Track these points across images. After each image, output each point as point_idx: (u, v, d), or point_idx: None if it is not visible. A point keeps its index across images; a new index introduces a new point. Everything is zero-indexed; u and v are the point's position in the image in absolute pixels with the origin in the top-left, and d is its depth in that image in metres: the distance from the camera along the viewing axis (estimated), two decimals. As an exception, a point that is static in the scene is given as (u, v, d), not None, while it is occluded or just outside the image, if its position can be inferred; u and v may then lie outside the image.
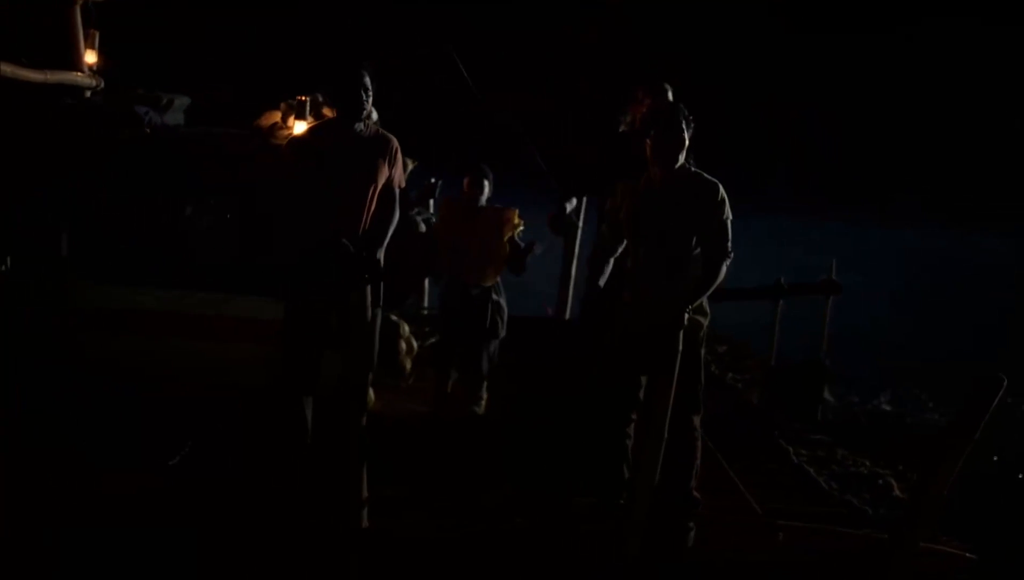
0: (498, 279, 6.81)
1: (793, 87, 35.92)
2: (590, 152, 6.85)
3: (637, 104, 6.05)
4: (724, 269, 4.99)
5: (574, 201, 7.54)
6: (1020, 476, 8.97)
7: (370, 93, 5.14)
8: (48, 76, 5.70)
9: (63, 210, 5.75)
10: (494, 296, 6.72)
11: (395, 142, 5.29)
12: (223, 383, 5.63)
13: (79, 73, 6.04)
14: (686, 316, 4.81)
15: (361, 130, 5.19)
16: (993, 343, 14.43)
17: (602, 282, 5.29)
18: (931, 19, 35.44)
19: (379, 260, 5.12)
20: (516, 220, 6.75)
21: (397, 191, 5.31)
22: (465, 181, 6.73)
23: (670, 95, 6.06)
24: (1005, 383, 4.55)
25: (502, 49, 36.95)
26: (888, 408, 10.73)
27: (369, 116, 6.07)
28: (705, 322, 5.13)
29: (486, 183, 6.72)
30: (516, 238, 6.74)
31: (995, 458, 8.55)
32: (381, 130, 5.32)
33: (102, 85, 6.21)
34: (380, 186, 5.20)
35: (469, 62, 7.52)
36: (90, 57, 6.19)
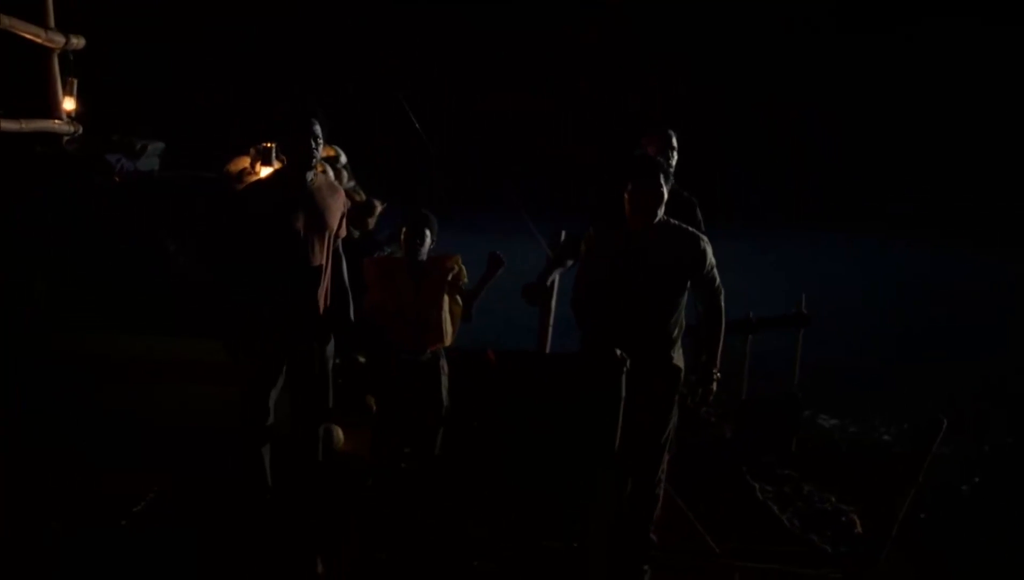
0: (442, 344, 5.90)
1: (793, 87, 35.94)
2: (590, 152, 6.74)
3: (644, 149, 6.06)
4: (723, 306, 5.10)
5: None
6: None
7: (320, 141, 5.03)
8: (23, 125, 5.83)
9: (38, 258, 5.88)
10: (443, 363, 5.90)
11: (343, 193, 5.33)
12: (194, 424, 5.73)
13: (57, 121, 6.19)
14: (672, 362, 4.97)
15: (312, 180, 5.12)
16: (993, 361, 14.31)
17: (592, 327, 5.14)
18: (931, 19, 35.43)
19: (349, 314, 5.26)
20: (456, 267, 5.86)
21: (339, 242, 5.35)
22: (402, 232, 5.81)
23: (674, 140, 6.11)
24: (945, 425, 4.70)
25: (502, 49, 37.10)
26: (888, 438, 10.80)
27: (337, 159, 6.16)
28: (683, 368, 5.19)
29: (427, 233, 5.79)
30: (461, 286, 5.89)
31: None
32: (330, 180, 5.31)
33: (80, 131, 6.34)
34: (334, 236, 5.23)
35: (419, 110, 7.15)
36: (68, 104, 6.32)
